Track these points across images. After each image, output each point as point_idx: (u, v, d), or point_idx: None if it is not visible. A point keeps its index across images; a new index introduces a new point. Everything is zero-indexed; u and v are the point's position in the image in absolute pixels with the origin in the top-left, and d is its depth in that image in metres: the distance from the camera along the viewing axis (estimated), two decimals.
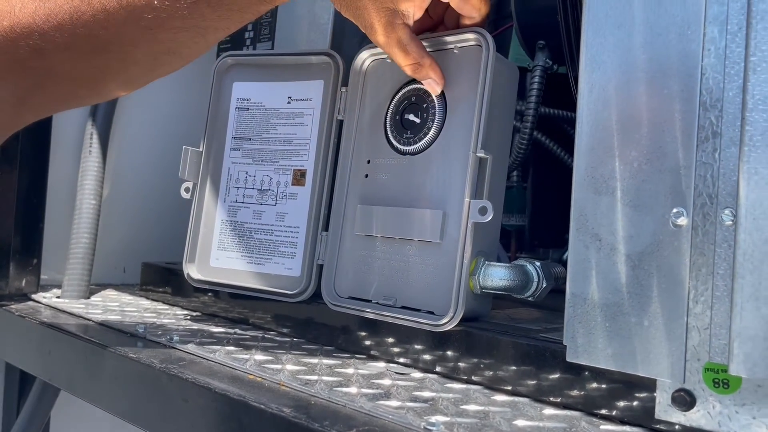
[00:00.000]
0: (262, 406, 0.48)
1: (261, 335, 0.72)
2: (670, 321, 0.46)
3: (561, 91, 0.90)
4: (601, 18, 0.51)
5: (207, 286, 0.76)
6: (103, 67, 0.56)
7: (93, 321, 0.75)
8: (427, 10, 0.65)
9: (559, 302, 0.67)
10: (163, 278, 0.92)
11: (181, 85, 0.99)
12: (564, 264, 1.11)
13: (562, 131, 1.06)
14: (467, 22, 0.61)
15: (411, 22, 0.57)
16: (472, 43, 0.62)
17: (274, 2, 0.55)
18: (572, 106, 1.02)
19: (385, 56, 0.68)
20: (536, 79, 0.83)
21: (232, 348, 0.65)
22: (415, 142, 0.64)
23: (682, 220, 0.45)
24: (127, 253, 1.02)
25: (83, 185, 0.91)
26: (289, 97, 0.75)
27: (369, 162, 0.68)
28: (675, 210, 0.46)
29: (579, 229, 0.51)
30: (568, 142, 1.04)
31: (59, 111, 0.64)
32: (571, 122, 1.03)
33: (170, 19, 0.52)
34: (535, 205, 1.11)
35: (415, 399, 0.51)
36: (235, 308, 0.81)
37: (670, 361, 0.46)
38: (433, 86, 0.62)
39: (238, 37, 0.88)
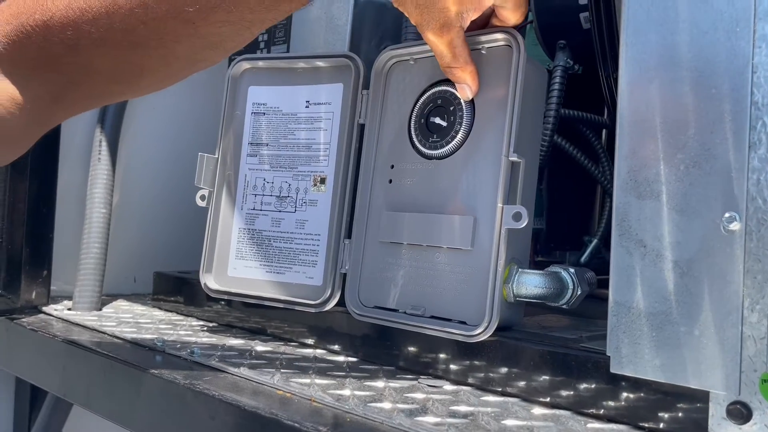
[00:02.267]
0: (297, 425, 0.46)
1: (283, 347, 0.70)
2: (723, 330, 0.44)
3: (579, 91, 0.88)
4: (641, 16, 0.49)
5: (225, 297, 0.74)
6: (141, 63, 0.53)
7: (108, 334, 0.73)
8: None
9: (587, 308, 0.65)
10: (176, 288, 0.89)
11: (191, 89, 0.97)
12: (582, 266, 1.09)
13: (579, 133, 1.04)
14: (506, 22, 0.59)
15: (466, 26, 0.55)
16: (502, 43, 0.60)
17: None
18: (589, 107, 1.01)
19: (407, 58, 0.66)
20: (557, 80, 0.81)
21: (255, 361, 0.63)
22: (442, 146, 0.62)
23: (735, 225, 0.44)
24: (138, 262, 1.00)
25: (93, 194, 0.88)
26: (307, 101, 0.73)
27: (393, 167, 0.66)
28: (727, 215, 0.44)
29: (622, 234, 0.49)
30: (585, 144, 1.03)
31: (93, 108, 0.61)
32: (589, 123, 1.02)
33: (214, 13, 0.49)
34: (552, 207, 1.09)
35: (453, 414, 0.49)
36: (251, 318, 0.79)
37: (725, 372, 0.44)
38: (466, 91, 0.60)
39: (251, 41, 0.86)
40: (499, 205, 0.56)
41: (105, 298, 0.94)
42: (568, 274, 0.58)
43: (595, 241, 1.08)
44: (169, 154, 1.00)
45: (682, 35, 0.47)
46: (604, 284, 1.10)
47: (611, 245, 0.51)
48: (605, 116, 1.14)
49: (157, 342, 0.67)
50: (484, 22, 0.60)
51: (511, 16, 0.57)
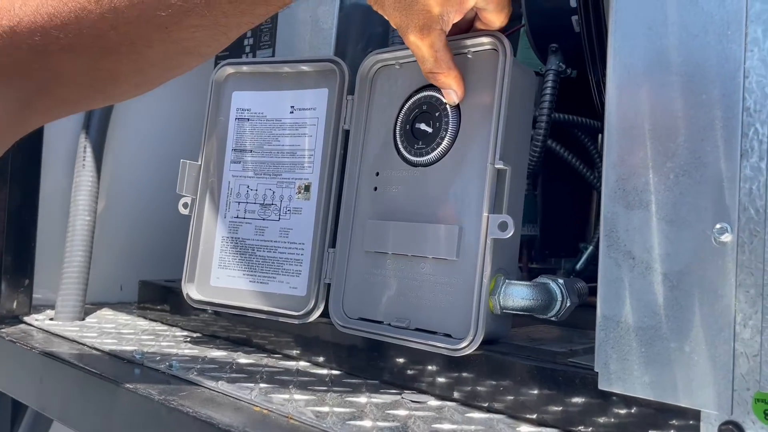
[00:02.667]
0: None
1: (265, 359, 0.68)
2: (715, 347, 0.42)
3: (572, 95, 0.86)
4: (629, 19, 0.47)
5: (207, 307, 0.72)
6: (114, 70, 0.51)
7: (88, 346, 0.71)
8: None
9: (578, 318, 0.63)
10: (162, 297, 0.88)
11: (179, 94, 0.95)
12: (577, 274, 1.07)
13: (574, 137, 1.02)
14: (490, 25, 0.57)
15: (448, 29, 0.54)
16: (488, 47, 0.58)
17: None
18: (583, 111, 0.99)
19: (393, 62, 0.65)
20: (549, 84, 0.79)
21: (235, 375, 0.61)
22: (428, 153, 0.61)
23: (726, 237, 0.42)
24: (124, 270, 0.98)
25: (76, 200, 0.87)
26: (292, 107, 0.71)
27: (378, 174, 0.64)
28: (718, 226, 0.42)
29: (610, 245, 0.48)
30: (580, 149, 1.01)
31: (69, 114, 0.59)
32: (584, 128, 1.00)
33: (187, 17, 0.47)
34: (547, 213, 1.07)
35: None
36: (237, 328, 0.77)
37: (716, 390, 0.42)
38: (452, 96, 0.58)
39: (237, 45, 0.84)
40: (485, 214, 0.55)
41: (90, 307, 0.92)
42: (556, 285, 0.56)
43: (590, 248, 1.06)
44: (156, 160, 0.98)
45: (672, 39, 0.45)
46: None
47: (599, 256, 0.49)
48: (601, 120, 1.12)
49: (136, 354, 0.66)
50: (467, 26, 0.58)
51: (495, 18, 0.55)
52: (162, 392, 0.54)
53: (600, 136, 1.12)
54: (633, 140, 0.46)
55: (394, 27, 0.53)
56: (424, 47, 0.53)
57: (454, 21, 0.53)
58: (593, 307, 0.65)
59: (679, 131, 0.44)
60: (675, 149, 0.44)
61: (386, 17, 0.53)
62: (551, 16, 0.77)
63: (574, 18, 0.76)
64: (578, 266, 1.06)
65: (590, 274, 1.08)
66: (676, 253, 0.44)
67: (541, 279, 0.57)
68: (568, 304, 0.57)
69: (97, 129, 0.91)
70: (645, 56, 0.46)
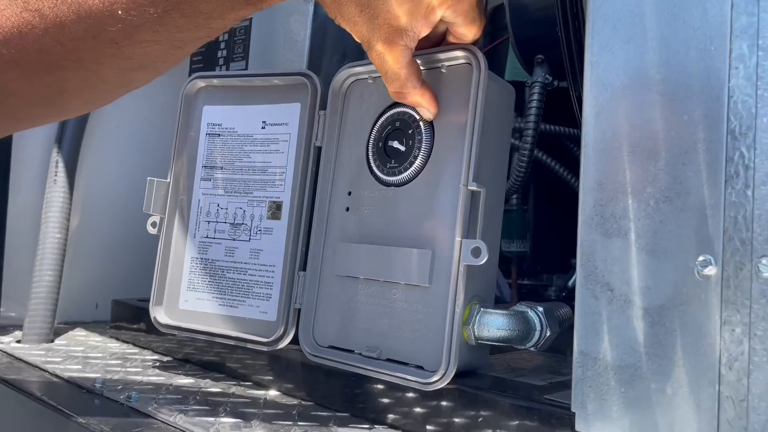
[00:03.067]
0: None
1: (234, 388, 0.65)
2: (698, 389, 0.39)
3: (561, 106, 0.83)
4: (607, 32, 0.44)
5: (175, 332, 0.69)
6: (61, 86, 0.48)
7: (49, 373, 0.68)
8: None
9: (566, 342, 0.60)
10: (134, 317, 0.84)
11: (156, 108, 0.92)
12: (570, 291, 1.03)
13: (564, 149, 0.99)
14: (462, 39, 0.54)
15: (414, 44, 0.50)
16: (462, 61, 0.55)
17: (257, 5, 0.47)
18: (574, 122, 0.95)
19: (366, 76, 0.61)
20: (535, 96, 0.76)
21: (197, 407, 0.58)
22: (400, 173, 0.57)
23: (710, 270, 0.38)
24: (99, 288, 0.95)
25: (47, 217, 0.84)
26: (264, 122, 0.68)
27: (350, 194, 0.61)
28: (701, 258, 0.39)
29: (587, 276, 0.44)
30: (570, 160, 0.98)
31: (16, 131, 0.56)
32: (574, 139, 0.96)
33: (138, 32, 0.44)
34: (537, 228, 1.04)
35: None
36: (209, 352, 0.74)
37: None
38: (425, 113, 0.55)
39: (210, 57, 0.81)
40: (457, 239, 0.51)
41: (63, 326, 0.89)
42: (535, 314, 0.53)
43: None
44: (130, 176, 0.95)
45: (652, 54, 0.42)
46: None
47: (576, 288, 0.45)
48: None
49: (97, 383, 0.62)
50: (439, 40, 0.55)
51: (466, 32, 0.52)
52: (115, 428, 0.51)
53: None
54: (611, 163, 0.43)
55: (358, 40, 0.50)
56: (389, 62, 0.50)
57: (422, 35, 0.50)
58: None
59: (660, 154, 0.41)
60: (656, 173, 0.41)
61: (348, 30, 0.50)
62: (536, 26, 0.74)
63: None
64: (570, 282, 1.02)
65: None
66: (657, 287, 0.41)
67: (519, 307, 0.54)
68: (547, 334, 0.53)
69: (71, 143, 0.88)
70: (624, 72, 0.43)
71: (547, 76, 0.76)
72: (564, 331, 0.55)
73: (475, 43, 0.53)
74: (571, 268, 1.05)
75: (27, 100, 0.49)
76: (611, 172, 0.43)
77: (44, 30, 0.44)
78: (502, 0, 1.11)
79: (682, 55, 0.41)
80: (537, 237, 1.02)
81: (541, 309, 0.54)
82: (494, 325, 0.52)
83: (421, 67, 0.57)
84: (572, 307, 0.67)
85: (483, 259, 0.50)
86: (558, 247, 1.12)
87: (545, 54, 0.76)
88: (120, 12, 0.43)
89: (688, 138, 0.40)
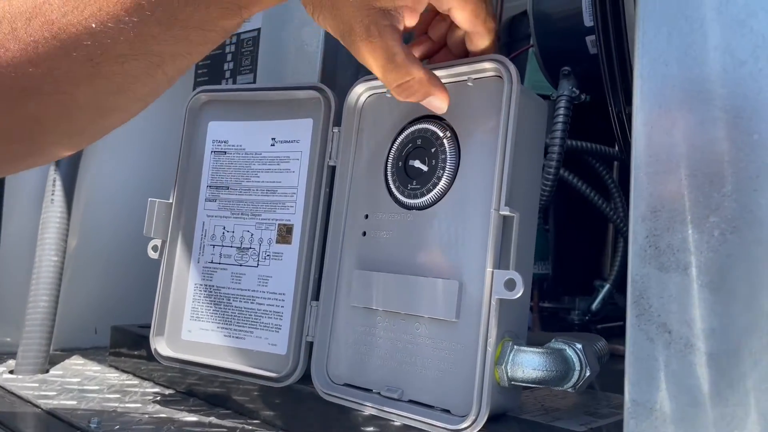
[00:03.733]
0: None
1: (241, 426, 0.60)
2: None
3: (586, 120, 0.78)
4: (660, 42, 0.39)
5: (178, 365, 0.64)
6: (39, 115, 0.45)
7: (42, 409, 0.63)
8: (427, 31, 0.54)
9: (602, 378, 0.55)
10: (135, 344, 0.80)
11: (159, 124, 0.88)
12: (594, 314, 0.98)
13: (586, 164, 0.94)
14: (475, 43, 0.50)
15: (401, 27, 0.45)
16: (491, 73, 0.50)
17: (243, 14, 0.43)
18: (598, 137, 0.91)
19: (384, 90, 0.57)
20: (561, 111, 0.72)
21: None
22: (423, 195, 0.53)
23: None
24: (99, 312, 0.90)
25: (44, 239, 0.79)
26: (273, 139, 0.64)
27: (367, 217, 0.56)
28: None
29: (640, 315, 0.39)
30: (592, 177, 0.93)
31: None
32: (598, 155, 0.92)
33: (114, 45, 0.41)
34: (559, 249, 0.99)
35: None
36: (214, 383, 0.69)
37: None
38: (436, 104, 0.49)
39: (215, 69, 0.77)
40: (489, 269, 0.46)
41: (60, 353, 0.84)
42: (574, 352, 0.48)
43: (607, 286, 0.98)
44: (132, 195, 0.90)
45: (714, 66, 0.37)
46: (619, 332, 0.98)
47: (626, 327, 0.40)
48: (617, 147, 1.04)
49: (92, 423, 0.57)
50: (459, 51, 0.51)
51: (478, 24, 0.47)
52: None
53: (615, 164, 1.04)
54: (666, 187, 0.38)
55: (336, 36, 0.46)
56: (375, 53, 0.45)
57: (409, 22, 0.45)
58: (618, 356, 0.57)
59: (726, 179, 0.36)
60: (720, 201, 0.36)
61: (322, 25, 0.45)
62: (563, 37, 0.70)
63: (589, 38, 0.68)
64: (594, 306, 0.97)
65: (608, 313, 1.00)
66: (724, 330, 0.36)
67: (556, 344, 0.49)
68: (587, 374, 0.48)
69: (69, 160, 0.83)
70: (680, 87, 0.38)
71: (574, 89, 0.72)
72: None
73: (493, 47, 0.49)
74: (594, 291, 1.00)
75: (7, 135, 0.45)
76: (667, 198, 0.38)
77: (20, 51, 0.41)
78: (521, 9, 1.07)
79: (750, 66, 0.36)
80: (559, 258, 0.97)
81: (579, 346, 0.49)
82: (530, 365, 0.47)
83: (445, 80, 0.53)
84: (599, 330, 0.62)
85: (518, 293, 0.45)
86: (581, 268, 1.07)
87: (572, 66, 0.72)
88: (93, 25, 0.41)
89: (759, 160, 0.35)
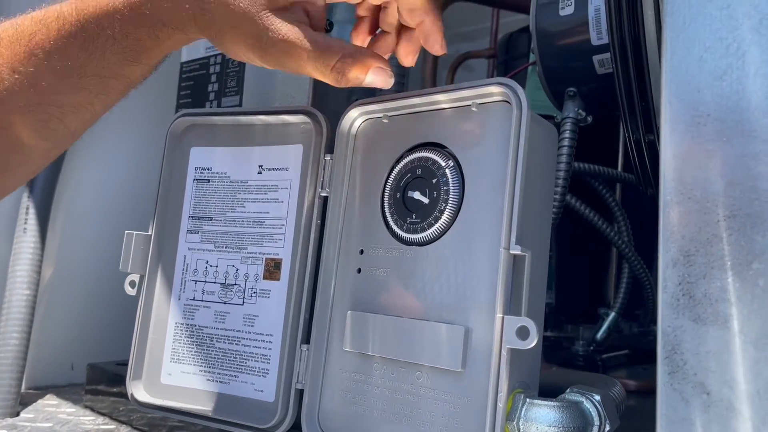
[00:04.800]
0: None
1: None
2: None
3: (588, 140, 0.75)
4: (691, 65, 0.35)
5: (157, 412, 0.59)
6: None
7: None
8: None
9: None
10: (112, 382, 0.74)
11: (139, 150, 0.83)
12: (598, 344, 0.93)
13: (590, 188, 0.91)
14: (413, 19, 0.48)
15: (307, 20, 0.44)
16: (497, 98, 0.46)
17: (143, 59, 0.42)
18: (594, 158, 0.87)
19: (380, 115, 0.53)
20: (567, 134, 0.68)
21: None
22: (423, 229, 0.48)
23: None
24: (76, 347, 0.85)
25: (14, 272, 0.74)
26: (260, 166, 0.59)
27: (362, 252, 0.52)
28: None
29: (673, 373, 0.35)
30: (595, 200, 0.89)
31: None
32: (601, 177, 0.88)
33: (10, 97, 0.40)
34: (562, 276, 0.95)
35: None
36: (196, 428, 0.64)
37: None
38: (382, 77, 0.45)
39: (199, 91, 0.73)
40: (499, 315, 0.42)
41: (33, 392, 0.79)
42: (592, 404, 0.43)
43: (612, 315, 0.93)
44: (110, 224, 0.86)
45: (754, 92, 0.33)
46: (625, 362, 0.93)
47: (657, 385, 0.36)
48: (619, 168, 1.01)
49: None
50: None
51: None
52: None
53: (618, 185, 1.00)
54: (702, 230, 0.34)
55: (249, 53, 0.43)
56: (296, 46, 0.42)
57: (313, 8, 0.44)
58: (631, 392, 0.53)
59: None
60: (765, 245, 0.32)
61: (230, 50, 0.44)
62: (569, 56, 0.66)
63: (597, 58, 0.65)
64: (599, 335, 0.93)
65: (613, 342, 0.96)
66: None
67: (572, 395, 0.44)
68: (607, 429, 0.43)
69: (43, 188, 0.78)
70: (716, 114, 0.34)
71: (579, 111, 0.68)
72: None
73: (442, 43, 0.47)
74: (598, 319, 0.95)
75: None
76: (702, 242, 0.34)
77: None
78: (519, 26, 1.04)
79: None
80: (562, 286, 0.93)
81: (598, 398, 0.44)
82: (544, 420, 0.42)
83: (447, 105, 0.49)
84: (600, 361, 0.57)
85: (531, 342, 0.41)
86: (584, 295, 1.03)
87: (577, 86, 0.68)
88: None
89: None
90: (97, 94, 0.42)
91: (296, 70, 0.44)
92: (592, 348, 0.92)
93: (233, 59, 0.71)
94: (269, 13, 0.42)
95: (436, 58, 1.21)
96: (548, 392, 0.45)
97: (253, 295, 0.57)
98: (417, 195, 0.49)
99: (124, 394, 0.72)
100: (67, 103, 0.41)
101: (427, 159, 0.49)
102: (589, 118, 0.68)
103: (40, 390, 0.81)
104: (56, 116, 0.42)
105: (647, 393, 0.36)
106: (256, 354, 0.56)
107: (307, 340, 0.53)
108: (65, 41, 0.41)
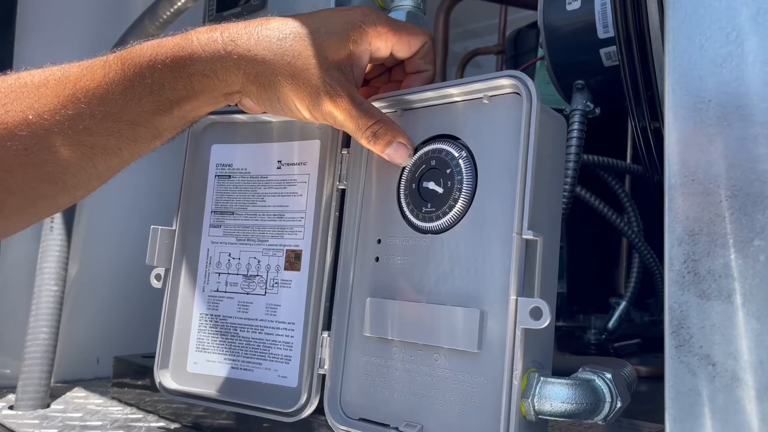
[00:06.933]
0: None
1: None
2: None
3: (597, 133, 0.76)
4: (693, 54, 0.37)
5: (183, 398, 0.61)
6: None
7: None
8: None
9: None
10: (139, 374, 0.77)
11: (161, 148, 0.85)
12: (610, 333, 0.95)
13: (599, 179, 0.92)
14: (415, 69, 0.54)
15: (354, 80, 0.49)
16: (508, 90, 0.48)
17: (175, 112, 0.45)
18: (605, 149, 0.88)
19: (394, 109, 0.55)
20: (575, 126, 0.69)
21: None
22: (438, 218, 0.50)
23: None
24: (101, 342, 0.87)
25: (43, 268, 0.77)
26: (279, 162, 0.62)
27: (379, 242, 0.54)
28: None
29: (680, 346, 0.37)
30: (605, 191, 0.91)
31: None
32: (610, 168, 0.89)
33: (48, 136, 0.42)
34: (573, 267, 0.96)
35: None
36: (221, 416, 0.66)
37: None
38: (401, 154, 0.51)
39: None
40: (512, 297, 0.44)
41: (61, 385, 0.82)
42: (604, 382, 0.45)
43: (623, 303, 0.95)
44: (134, 221, 0.88)
45: (753, 78, 0.35)
46: (637, 351, 0.95)
47: (665, 359, 0.38)
48: (628, 160, 1.02)
49: None
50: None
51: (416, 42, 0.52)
52: None
53: (627, 177, 1.02)
54: (705, 209, 0.36)
55: (301, 108, 0.48)
56: (345, 104, 0.47)
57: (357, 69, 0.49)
58: (643, 377, 0.54)
59: None
60: (765, 223, 0.34)
61: (282, 110, 0.49)
62: (576, 49, 0.68)
63: (604, 51, 0.66)
64: (610, 324, 0.95)
65: (624, 331, 0.97)
66: None
67: (584, 373, 0.46)
68: (618, 405, 0.45)
69: None
70: (717, 101, 0.36)
71: (588, 103, 0.69)
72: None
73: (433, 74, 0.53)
74: (609, 308, 0.97)
75: None
76: (706, 221, 0.36)
77: None
78: (527, 21, 1.05)
79: None
80: (573, 276, 0.94)
81: (609, 376, 0.46)
82: (558, 397, 0.44)
83: (459, 98, 0.51)
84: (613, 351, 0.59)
85: (545, 322, 0.43)
86: (595, 285, 1.04)
87: (585, 79, 0.70)
88: (31, 116, 0.42)
89: None
90: (126, 141, 0.45)
91: (340, 126, 0.49)
92: (603, 337, 0.93)
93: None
94: (333, 69, 0.46)
95: (445, 55, 1.23)
96: (562, 375, 0.47)
97: (275, 285, 0.60)
98: (432, 185, 0.51)
99: (149, 386, 0.75)
100: (99, 146, 0.44)
101: (441, 150, 0.51)
102: (598, 110, 0.70)
103: (68, 383, 0.84)
104: (88, 156, 0.44)
105: (659, 378, 0.37)
106: (279, 342, 0.58)
107: (327, 327, 0.55)
108: (107, 87, 0.43)
